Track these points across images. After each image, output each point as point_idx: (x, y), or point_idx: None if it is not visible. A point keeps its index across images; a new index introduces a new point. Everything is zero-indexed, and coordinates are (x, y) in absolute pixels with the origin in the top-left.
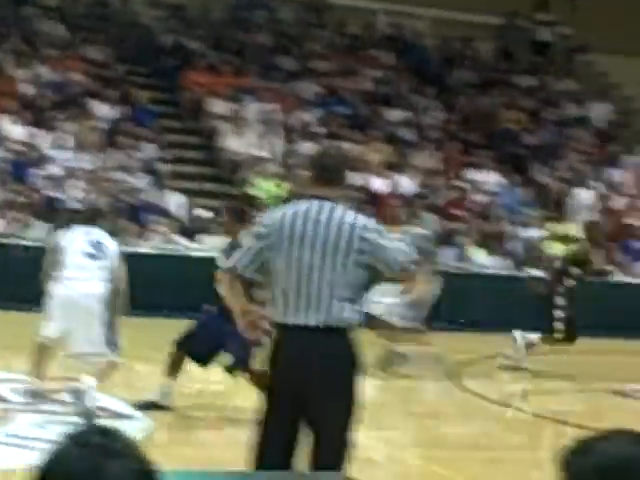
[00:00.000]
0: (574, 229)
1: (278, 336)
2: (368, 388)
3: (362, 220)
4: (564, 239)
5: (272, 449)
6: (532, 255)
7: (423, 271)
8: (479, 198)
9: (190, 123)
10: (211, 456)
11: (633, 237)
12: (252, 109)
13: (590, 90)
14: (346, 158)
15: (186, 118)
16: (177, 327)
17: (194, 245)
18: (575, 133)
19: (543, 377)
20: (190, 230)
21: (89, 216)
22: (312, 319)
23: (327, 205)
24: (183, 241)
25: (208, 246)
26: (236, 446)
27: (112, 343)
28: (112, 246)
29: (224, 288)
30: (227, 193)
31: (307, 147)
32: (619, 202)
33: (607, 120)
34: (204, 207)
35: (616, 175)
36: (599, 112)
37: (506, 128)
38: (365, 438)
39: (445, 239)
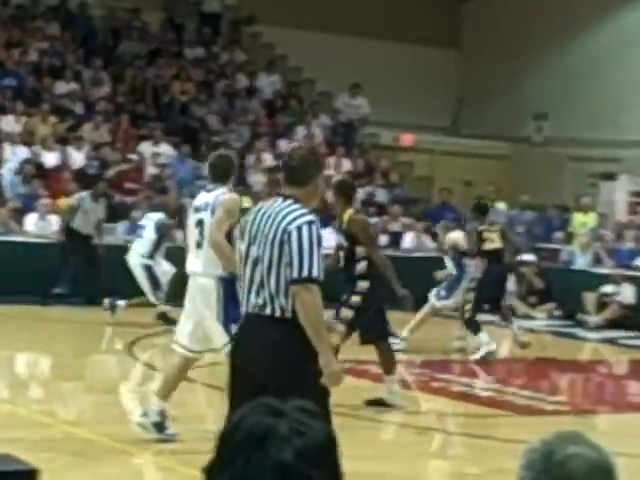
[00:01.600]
0: (246, 201)
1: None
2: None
3: (293, 215)
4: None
5: None
6: None
7: None
8: (152, 170)
9: None
10: None
11: None
12: None
13: (258, 61)
14: (311, 160)
15: None
16: None
17: None
18: (245, 104)
19: None
20: None
21: None
22: (251, 307)
23: (279, 201)
24: None
25: None
26: None
27: None
28: None
29: None
30: None
31: None
32: None
33: (276, 91)
34: None
35: (287, 146)
36: (267, 83)
37: (176, 99)
38: (38, 415)
39: (120, 213)
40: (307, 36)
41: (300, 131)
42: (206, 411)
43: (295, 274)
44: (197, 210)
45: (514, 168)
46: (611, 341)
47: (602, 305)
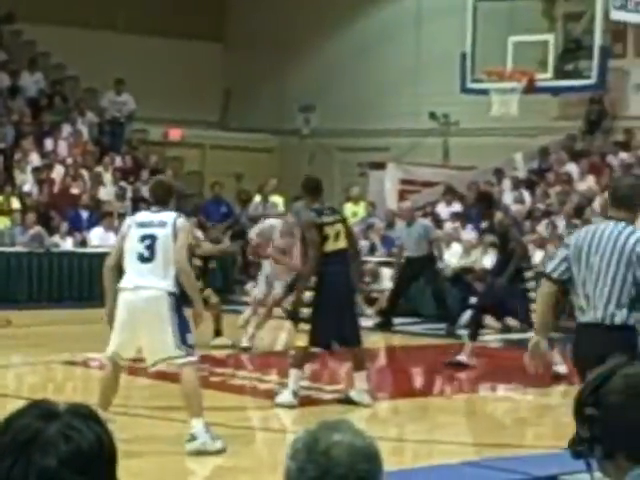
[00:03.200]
0: (15, 202)
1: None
2: None
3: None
4: None
5: None
6: None
7: None
8: None
9: None
10: None
11: (77, 206)
12: None
13: (20, 59)
14: (638, 188)
15: None
16: None
17: None
18: (9, 104)
19: None
20: None
21: None
22: (596, 318)
23: (614, 224)
24: None
25: None
26: None
27: None
28: None
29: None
30: None
31: None
32: (58, 171)
33: (39, 89)
34: None
35: (53, 145)
36: (31, 81)
37: None
38: None
39: None
40: (69, 33)
41: (66, 129)
42: None
43: None
44: (143, 225)
45: (284, 160)
46: (384, 328)
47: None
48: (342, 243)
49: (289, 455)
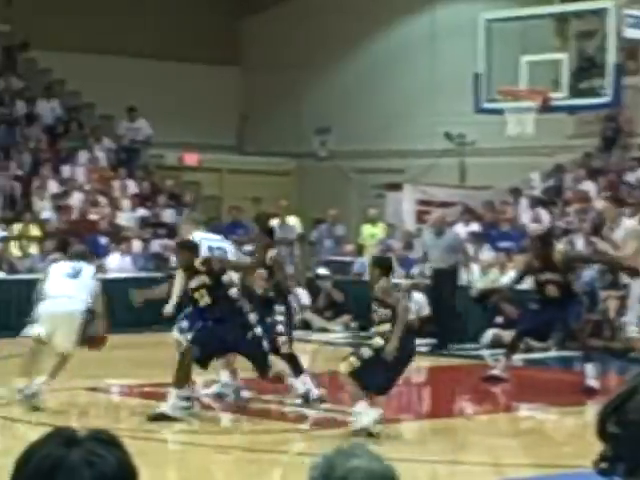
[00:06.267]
0: (35, 230)
1: None
2: None
3: None
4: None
5: None
6: None
7: None
8: None
9: None
10: None
11: (95, 232)
12: None
13: (36, 87)
14: None
15: None
16: None
17: None
18: (25, 131)
19: None
20: None
21: None
22: None
23: None
24: None
25: None
26: None
27: None
28: None
29: None
30: None
31: None
32: (76, 198)
33: (56, 116)
34: None
35: (71, 171)
36: (47, 109)
37: None
38: None
39: None
40: (84, 59)
41: (83, 156)
42: None
43: None
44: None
45: (301, 183)
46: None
47: None
48: None
49: None
